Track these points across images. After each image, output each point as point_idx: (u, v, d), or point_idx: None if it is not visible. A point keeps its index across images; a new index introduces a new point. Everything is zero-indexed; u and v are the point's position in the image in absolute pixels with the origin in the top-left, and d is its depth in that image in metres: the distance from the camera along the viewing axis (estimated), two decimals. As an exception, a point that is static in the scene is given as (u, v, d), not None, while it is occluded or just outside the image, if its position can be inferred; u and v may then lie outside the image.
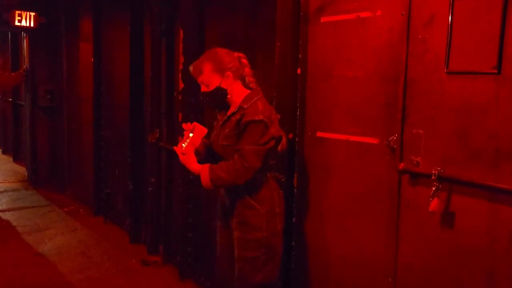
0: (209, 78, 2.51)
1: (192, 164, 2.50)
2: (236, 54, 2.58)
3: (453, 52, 2.04)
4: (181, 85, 3.82)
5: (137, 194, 4.79)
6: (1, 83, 6.97)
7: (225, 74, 2.50)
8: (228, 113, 2.55)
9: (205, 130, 2.49)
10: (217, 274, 2.89)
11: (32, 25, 6.44)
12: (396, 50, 2.27)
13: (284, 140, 2.58)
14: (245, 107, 2.45)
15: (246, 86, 2.57)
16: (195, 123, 2.52)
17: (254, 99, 2.47)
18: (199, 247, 3.84)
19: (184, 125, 2.56)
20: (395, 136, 2.28)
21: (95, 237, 4.93)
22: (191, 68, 2.57)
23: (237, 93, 2.53)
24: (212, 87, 2.51)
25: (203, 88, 2.55)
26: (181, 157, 2.52)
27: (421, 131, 2.18)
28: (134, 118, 4.72)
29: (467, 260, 2.04)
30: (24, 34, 7.03)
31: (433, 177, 2.06)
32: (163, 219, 4.37)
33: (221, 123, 2.58)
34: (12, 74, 7.20)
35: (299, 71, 2.75)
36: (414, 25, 2.19)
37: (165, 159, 4.28)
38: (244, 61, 2.59)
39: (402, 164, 2.23)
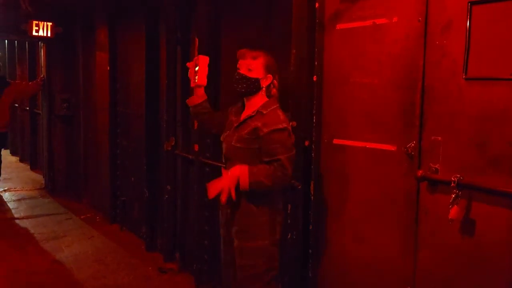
0: (257, 68, 2.56)
1: (229, 173, 2.49)
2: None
3: (471, 58, 2.03)
4: (197, 93, 3.83)
5: (153, 201, 4.81)
6: (19, 92, 7.05)
7: (268, 75, 2.58)
8: (244, 116, 2.59)
9: (207, 58, 2.72)
10: (223, 282, 2.89)
11: (49, 35, 6.51)
12: (413, 56, 2.26)
13: None
14: (264, 112, 2.51)
15: (268, 94, 2.63)
16: (197, 56, 2.74)
17: (273, 107, 2.54)
18: (215, 254, 3.83)
19: (188, 64, 2.77)
20: (413, 143, 2.27)
21: (111, 244, 4.96)
22: (245, 50, 2.59)
23: (259, 97, 2.60)
24: (252, 76, 2.55)
25: (244, 71, 2.57)
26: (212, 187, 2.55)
27: (440, 138, 2.16)
28: (150, 126, 4.75)
29: (488, 268, 2.01)
30: (41, 44, 7.13)
31: (452, 184, 2.04)
32: (179, 226, 4.38)
33: (235, 124, 2.60)
34: (30, 83, 7.30)
35: (315, 78, 2.75)
36: (431, 31, 2.18)
37: (181, 167, 4.30)
38: (275, 82, 2.66)
39: (420, 171, 2.21)
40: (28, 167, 8.86)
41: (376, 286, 2.52)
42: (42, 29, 6.47)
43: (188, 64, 2.79)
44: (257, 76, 2.55)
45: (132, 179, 5.29)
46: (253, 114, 2.54)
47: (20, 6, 6.33)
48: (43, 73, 7.11)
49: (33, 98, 8.19)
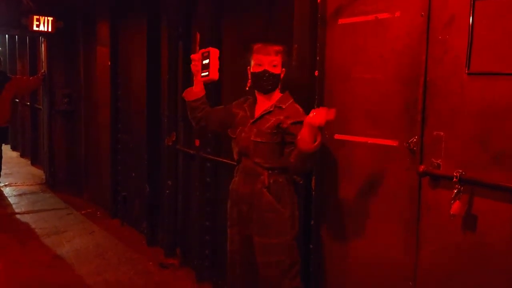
0: (279, 63, 2.55)
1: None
2: None
3: (474, 53, 2.02)
4: (198, 88, 3.82)
5: (154, 197, 4.81)
6: (20, 87, 7.04)
7: (283, 69, 2.59)
8: (261, 110, 2.58)
9: (218, 50, 2.60)
10: (228, 281, 2.86)
11: (49, 29, 6.51)
12: (416, 51, 2.25)
13: None
14: (283, 107, 2.52)
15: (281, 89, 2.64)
16: (207, 49, 2.59)
17: (290, 101, 2.56)
18: (216, 250, 3.84)
19: (193, 56, 2.67)
20: (415, 138, 2.26)
21: (112, 239, 4.97)
22: (268, 45, 2.56)
23: (276, 92, 2.61)
24: (277, 72, 2.55)
25: (269, 68, 2.53)
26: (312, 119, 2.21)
27: (442, 133, 2.16)
28: (151, 122, 4.75)
29: (490, 264, 2.01)
30: (42, 39, 7.12)
31: (454, 179, 2.03)
32: (180, 221, 4.38)
33: (252, 120, 2.58)
34: (31, 78, 7.29)
35: (316, 73, 2.74)
36: (434, 26, 2.17)
37: (182, 162, 4.30)
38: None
39: (422, 167, 2.20)
40: (29, 162, 8.87)
41: (377, 281, 2.51)
42: (43, 24, 6.46)
43: (193, 56, 2.70)
44: (279, 72, 2.56)
45: (133, 174, 5.29)
46: (271, 109, 2.54)
47: (21, 1, 6.33)
48: (43, 68, 7.11)
49: (34, 93, 8.19)
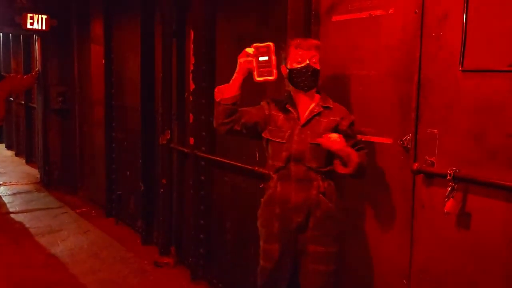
0: (318, 60, 2.36)
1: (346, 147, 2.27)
2: None
3: (468, 50, 2.01)
4: (192, 86, 3.81)
5: (148, 195, 4.79)
6: (13, 86, 6.99)
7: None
8: (309, 112, 2.36)
9: (274, 45, 2.23)
10: None
11: (44, 27, 6.47)
12: (410, 48, 2.24)
13: None
14: (331, 106, 2.37)
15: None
16: (267, 43, 2.23)
17: (331, 100, 2.42)
18: (211, 248, 3.82)
19: (251, 54, 2.24)
20: (409, 136, 2.25)
21: (107, 238, 4.94)
22: (307, 40, 2.41)
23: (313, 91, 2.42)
24: (319, 67, 2.35)
25: (311, 63, 2.32)
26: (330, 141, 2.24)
27: (436, 131, 2.15)
28: (146, 120, 4.73)
29: (484, 262, 2.00)
30: (36, 37, 7.08)
31: (448, 177, 2.03)
32: (174, 220, 4.37)
33: (302, 122, 2.35)
34: (25, 76, 7.25)
35: (310, 70, 2.72)
36: (428, 23, 2.16)
37: (176, 161, 4.28)
38: None
39: (416, 164, 2.19)
40: (24, 161, 8.83)
41: (372, 279, 2.51)
42: (37, 22, 6.42)
43: (248, 51, 2.26)
44: (319, 68, 2.36)
45: (128, 172, 5.27)
46: (320, 109, 2.36)
47: (15, -1, 6.30)
48: (38, 67, 7.07)
49: (28, 92, 8.15)
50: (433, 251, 2.20)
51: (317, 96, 2.42)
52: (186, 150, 4.03)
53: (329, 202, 2.34)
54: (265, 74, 2.22)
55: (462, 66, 2.03)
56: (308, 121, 2.36)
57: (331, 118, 2.35)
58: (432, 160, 2.17)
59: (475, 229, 2.03)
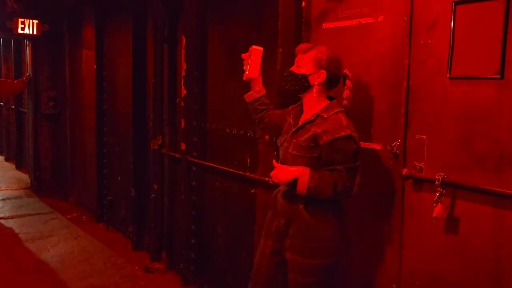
0: (306, 63, 2.27)
1: (288, 168, 2.23)
2: (345, 70, 2.36)
3: (455, 57, 2.04)
4: (184, 91, 3.82)
5: (140, 201, 4.78)
6: (4, 91, 6.97)
7: (320, 71, 2.25)
8: (303, 119, 2.31)
9: (261, 49, 2.51)
10: None
11: (35, 32, 6.44)
12: (399, 55, 2.27)
13: None
14: (325, 116, 2.21)
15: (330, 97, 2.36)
16: (252, 46, 2.50)
17: (336, 110, 2.23)
18: (202, 253, 3.83)
19: (243, 55, 2.55)
20: (398, 142, 2.28)
21: (98, 244, 4.92)
22: (300, 44, 2.40)
23: (318, 99, 2.29)
24: (299, 72, 2.29)
25: (293, 67, 2.33)
26: (276, 166, 2.26)
27: (424, 137, 2.18)
28: (137, 125, 4.72)
29: (472, 266, 2.03)
30: (27, 42, 7.05)
31: (437, 182, 2.05)
32: (166, 225, 4.36)
33: (293, 129, 2.32)
34: (15, 81, 7.22)
35: (301, 77, 2.74)
36: (416, 31, 2.20)
37: (167, 166, 4.28)
38: (348, 82, 2.36)
39: (405, 170, 2.22)
40: (14, 166, 8.77)
41: (362, 284, 2.52)
42: (28, 27, 6.39)
43: (243, 55, 2.55)
44: (304, 72, 2.26)
45: (119, 178, 5.26)
46: (313, 118, 2.24)
47: (6, 4, 6.26)
48: (28, 71, 7.03)
49: (19, 96, 8.11)
50: (422, 255, 2.22)
51: (324, 103, 2.29)
52: (177, 155, 4.03)
53: (307, 214, 2.25)
54: (246, 73, 2.54)
55: (450, 73, 2.06)
56: (298, 128, 2.30)
57: (315, 128, 2.21)
58: (421, 165, 2.20)
59: (463, 233, 2.06)
